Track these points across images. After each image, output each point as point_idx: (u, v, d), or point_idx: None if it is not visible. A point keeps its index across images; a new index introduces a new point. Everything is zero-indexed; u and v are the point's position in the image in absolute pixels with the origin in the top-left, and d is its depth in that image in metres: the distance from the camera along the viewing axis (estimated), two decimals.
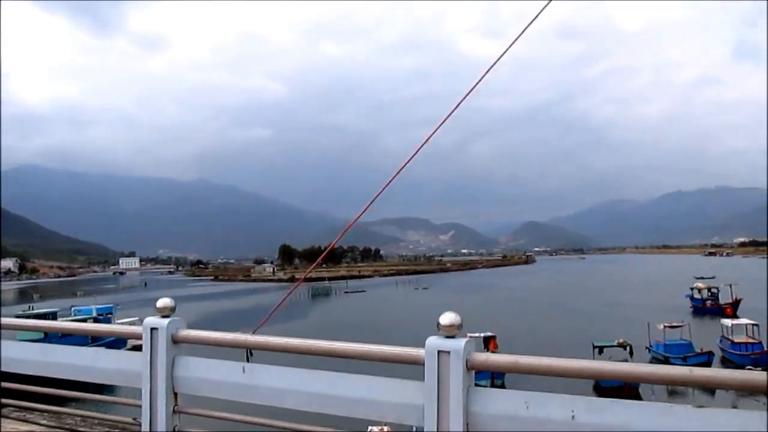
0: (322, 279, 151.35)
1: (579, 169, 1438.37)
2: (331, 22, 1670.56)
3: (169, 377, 4.00)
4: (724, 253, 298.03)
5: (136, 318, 52.19)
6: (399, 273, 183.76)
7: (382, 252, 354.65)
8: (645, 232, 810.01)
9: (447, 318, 3.23)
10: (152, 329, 4.05)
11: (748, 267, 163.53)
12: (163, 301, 4.18)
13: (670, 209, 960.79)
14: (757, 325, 39.68)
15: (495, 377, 29.25)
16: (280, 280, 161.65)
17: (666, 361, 38.80)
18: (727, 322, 41.37)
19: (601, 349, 36.26)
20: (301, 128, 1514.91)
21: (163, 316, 4.10)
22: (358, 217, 5.77)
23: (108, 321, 45.40)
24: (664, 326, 40.04)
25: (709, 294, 67.90)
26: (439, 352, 3.14)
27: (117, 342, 26.45)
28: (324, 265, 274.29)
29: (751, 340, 39.24)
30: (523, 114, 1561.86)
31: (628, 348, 36.08)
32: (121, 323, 47.35)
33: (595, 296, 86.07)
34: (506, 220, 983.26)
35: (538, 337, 47.58)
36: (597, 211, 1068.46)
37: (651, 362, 39.69)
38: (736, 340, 39.56)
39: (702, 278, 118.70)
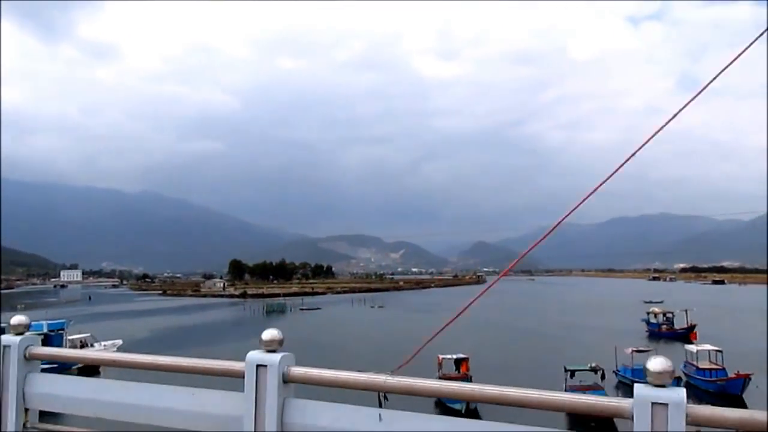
0: (277, 295, 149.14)
1: (528, 192, 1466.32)
2: (287, 37, 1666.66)
3: (279, 422, 3.37)
4: (668, 278, 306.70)
5: (88, 334, 49.73)
6: (352, 290, 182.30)
7: (333, 269, 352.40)
8: (590, 255, 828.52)
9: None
10: (258, 366, 3.40)
11: (692, 292, 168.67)
12: (271, 333, 3.44)
13: (614, 234, 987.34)
14: (720, 351, 40.17)
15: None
16: (231, 296, 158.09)
17: (633, 385, 38.83)
18: (692, 347, 41.79)
19: (573, 372, 36.10)
20: (253, 142, 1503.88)
21: (269, 351, 3.42)
22: (562, 219, 4.94)
23: (60, 337, 42.94)
24: (632, 350, 40.16)
25: (665, 319, 69.07)
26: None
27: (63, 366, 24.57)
28: (275, 281, 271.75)
29: (715, 366, 39.67)
30: (476, 136, 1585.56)
31: (599, 372, 36.00)
32: (72, 339, 45.05)
33: (553, 318, 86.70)
34: (456, 240, 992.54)
35: (507, 359, 47.17)
36: (544, 232, 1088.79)
37: (618, 386, 39.83)
38: (701, 366, 39.93)
39: (651, 302, 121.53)
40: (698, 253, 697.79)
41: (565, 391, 34.34)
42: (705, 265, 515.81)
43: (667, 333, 65.79)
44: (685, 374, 40.45)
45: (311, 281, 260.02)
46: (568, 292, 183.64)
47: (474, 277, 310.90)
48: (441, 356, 37.38)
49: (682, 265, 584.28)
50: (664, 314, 69.42)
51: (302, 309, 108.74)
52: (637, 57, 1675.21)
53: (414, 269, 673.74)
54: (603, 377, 36.40)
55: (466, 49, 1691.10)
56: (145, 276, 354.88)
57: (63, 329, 43.74)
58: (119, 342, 51.65)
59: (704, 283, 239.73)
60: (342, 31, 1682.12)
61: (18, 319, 4.17)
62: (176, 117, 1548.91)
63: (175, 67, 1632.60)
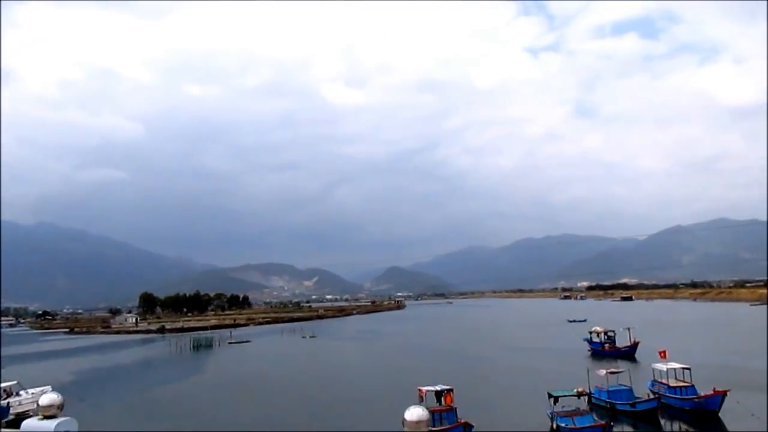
0: (197, 329, 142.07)
1: (438, 216, 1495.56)
2: (193, 63, 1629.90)
3: None
4: (578, 296, 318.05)
5: (14, 381, 44.61)
6: (275, 321, 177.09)
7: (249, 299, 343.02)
8: (499, 276, 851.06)
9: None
10: None
11: (607, 309, 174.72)
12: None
13: (521, 255, 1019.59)
14: (688, 368, 40.19)
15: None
16: (147, 331, 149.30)
17: (612, 408, 38.53)
18: (661, 366, 41.49)
19: (556, 399, 35.16)
20: (159, 170, 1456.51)
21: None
22: None
23: None
24: (607, 372, 39.74)
25: (606, 338, 69.79)
26: None
27: None
28: (190, 314, 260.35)
29: (684, 384, 39.64)
30: (386, 162, 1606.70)
31: (585, 398, 35.20)
32: None
33: (492, 341, 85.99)
34: (369, 265, 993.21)
35: (477, 388, 45.58)
36: (455, 256, 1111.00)
37: (592, 409, 39.13)
38: (671, 384, 39.82)
39: (575, 321, 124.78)
40: (600, 271, 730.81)
41: (551, 418, 33.27)
42: (607, 283, 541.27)
43: (610, 351, 66.47)
44: (656, 393, 40.24)
45: (228, 312, 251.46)
46: (491, 313, 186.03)
47: (393, 303, 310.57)
48: (423, 388, 35.51)
49: (585, 283, 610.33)
50: (606, 333, 70.24)
51: (230, 342, 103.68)
52: (536, 86, 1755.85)
53: (328, 296, 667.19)
54: (589, 402, 35.76)
55: (374, 76, 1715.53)
56: (45, 313, 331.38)
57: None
58: (48, 388, 46.42)
59: (614, 300, 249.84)
60: (250, 56, 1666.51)
61: (49, 398, 3.57)
62: (74, 144, 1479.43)
63: (74, 93, 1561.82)
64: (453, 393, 34.66)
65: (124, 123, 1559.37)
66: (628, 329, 66.21)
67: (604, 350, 67.29)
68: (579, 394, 35.49)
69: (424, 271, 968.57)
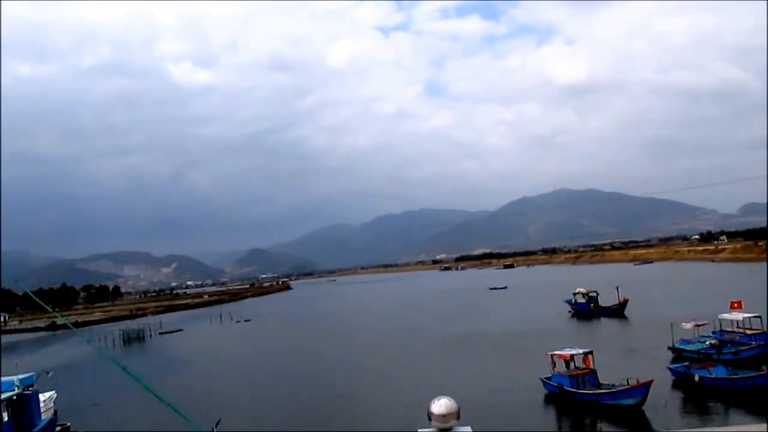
0: (97, 322, 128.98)
1: (298, 196, 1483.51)
2: (21, 40, 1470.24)
3: None
4: (459, 267, 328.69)
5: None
6: (170, 309, 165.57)
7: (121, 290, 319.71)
8: (361, 253, 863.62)
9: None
10: None
11: (507, 276, 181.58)
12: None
13: (382, 231, 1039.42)
14: (758, 316, 40.51)
15: None
16: (35, 329, 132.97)
17: (709, 358, 37.32)
18: (736, 315, 41.38)
19: (680, 352, 34.18)
20: None
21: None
22: None
23: (36, 399, 30.21)
24: (694, 324, 39.20)
25: (589, 298, 71.06)
26: None
27: None
28: (56, 309, 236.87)
29: (757, 331, 39.89)
30: (240, 143, 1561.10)
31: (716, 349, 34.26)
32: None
33: (446, 316, 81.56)
34: (230, 248, 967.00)
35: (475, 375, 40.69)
36: (317, 235, 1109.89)
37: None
38: (749, 332, 39.79)
39: (496, 288, 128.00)
40: (458, 243, 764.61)
41: (683, 371, 32.00)
42: (465, 254, 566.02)
43: (597, 311, 68.10)
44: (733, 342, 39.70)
45: (99, 305, 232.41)
46: (398, 288, 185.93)
47: (281, 284, 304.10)
48: (557, 352, 33.14)
49: (443, 255, 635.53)
50: (587, 293, 71.57)
51: (161, 333, 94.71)
52: (389, 65, 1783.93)
53: (189, 282, 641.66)
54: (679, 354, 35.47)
55: (223, 55, 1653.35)
56: None
57: (32, 385, 30.79)
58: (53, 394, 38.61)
59: (497, 268, 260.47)
60: (86, 33, 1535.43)
61: None
62: None
63: None
64: (592, 356, 32.75)
65: None
66: (617, 288, 67.66)
67: (591, 310, 68.60)
68: (711, 346, 35.03)
69: (287, 251, 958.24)
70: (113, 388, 48.57)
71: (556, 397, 32.45)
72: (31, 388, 30.41)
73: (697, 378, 31.79)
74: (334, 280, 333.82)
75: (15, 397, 28.74)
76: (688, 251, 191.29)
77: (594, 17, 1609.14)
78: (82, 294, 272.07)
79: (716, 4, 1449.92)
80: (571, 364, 33.19)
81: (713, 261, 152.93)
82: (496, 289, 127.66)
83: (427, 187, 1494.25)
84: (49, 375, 33.92)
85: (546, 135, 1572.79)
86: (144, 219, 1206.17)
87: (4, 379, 29.27)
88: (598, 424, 29.49)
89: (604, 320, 64.69)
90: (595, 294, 71.01)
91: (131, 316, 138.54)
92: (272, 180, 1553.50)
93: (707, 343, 35.79)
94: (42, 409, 31.52)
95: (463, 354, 49.02)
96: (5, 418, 28.13)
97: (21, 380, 29.79)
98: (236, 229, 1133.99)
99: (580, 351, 32.73)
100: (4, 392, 28.16)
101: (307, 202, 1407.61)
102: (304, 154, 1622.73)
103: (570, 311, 71.42)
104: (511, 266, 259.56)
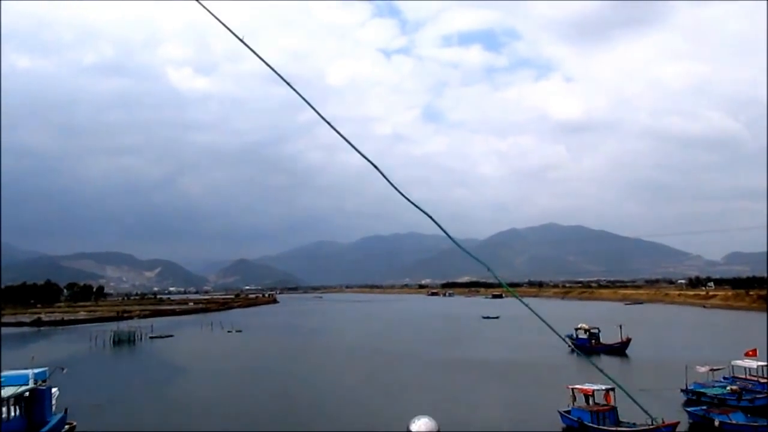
0: (84, 321, 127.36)
1: (287, 210, 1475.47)
2: (21, 32, 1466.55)
3: None
4: (447, 293, 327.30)
5: None
6: (156, 314, 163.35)
7: (105, 290, 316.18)
8: (347, 272, 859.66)
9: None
10: None
11: (497, 306, 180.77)
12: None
13: (369, 251, 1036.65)
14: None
15: None
16: (19, 324, 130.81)
17: (722, 403, 37.14)
18: (750, 363, 41.36)
19: (698, 395, 33.98)
20: None
21: None
22: None
23: (49, 394, 29.45)
24: (709, 369, 39.12)
25: (591, 334, 70.73)
26: None
27: None
28: (39, 305, 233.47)
29: None
30: (234, 152, 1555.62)
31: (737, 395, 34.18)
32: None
33: (452, 340, 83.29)
34: (215, 257, 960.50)
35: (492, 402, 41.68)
36: (303, 250, 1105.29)
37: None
38: (762, 381, 39.84)
39: (489, 317, 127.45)
40: (441, 269, 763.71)
41: (701, 414, 31.74)
42: (450, 281, 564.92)
43: (599, 347, 67.68)
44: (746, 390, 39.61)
45: (83, 303, 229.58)
46: (385, 309, 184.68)
47: (269, 297, 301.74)
48: (578, 386, 32.91)
49: (428, 281, 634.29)
50: (589, 330, 71.28)
51: (152, 337, 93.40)
52: (388, 87, 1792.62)
53: (172, 288, 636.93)
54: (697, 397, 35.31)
55: (224, 64, 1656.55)
56: None
57: (45, 380, 30.02)
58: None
59: (486, 297, 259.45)
60: (89, 30, 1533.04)
61: None
62: None
63: None
64: (614, 393, 32.45)
65: None
66: (620, 326, 67.50)
67: (593, 346, 68.13)
68: (733, 392, 34.83)
69: (272, 264, 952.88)
70: (111, 387, 47.86)
71: (575, 431, 32.14)
72: (44, 384, 29.77)
73: (717, 423, 31.53)
74: (321, 297, 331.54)
75: (27, 393, 28.07)
76: (678, 295, 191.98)
77: (594, 57, 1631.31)
78: (66, 292, 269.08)
79: (713, 54, 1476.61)
80: (591, 400, 32.95)
81: (704, 307, 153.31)
82: (489, 318, 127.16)
83: (416, 211, 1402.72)
84: (64, 371, 33.18)
85: (538, 169, 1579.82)
86: (131, 221, 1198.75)
87: (17, 372, 28.62)
88: None
89: (606, 358, 64.30)
90: (597, 331, 70.70)
91: (117, 318, 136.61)
92: (262, 192, 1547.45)
93: (728, 388, 35.61)
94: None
95: (470, 381, 48.68)
96: (17, 413, 27.40)
97: (36, 374, 29.16)
98: (223, 238, 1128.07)
99: (603, 387, 32.39)
100: (16, 386, 27.46)
101: (295, 217, 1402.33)
102: (296, 168, 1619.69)
103: (570, 347, 70.70)
104: (499, 296, 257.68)
